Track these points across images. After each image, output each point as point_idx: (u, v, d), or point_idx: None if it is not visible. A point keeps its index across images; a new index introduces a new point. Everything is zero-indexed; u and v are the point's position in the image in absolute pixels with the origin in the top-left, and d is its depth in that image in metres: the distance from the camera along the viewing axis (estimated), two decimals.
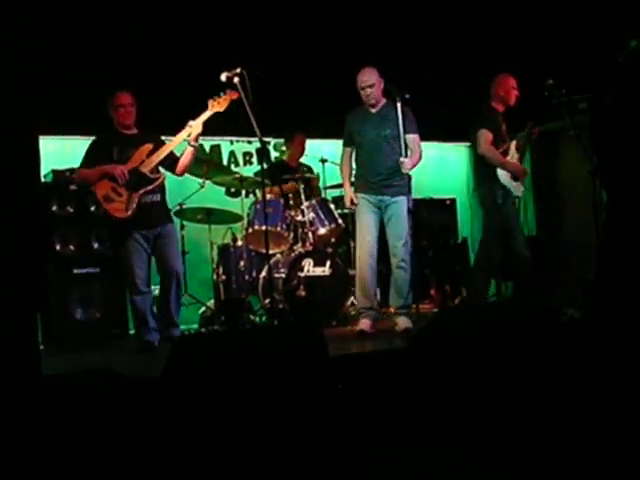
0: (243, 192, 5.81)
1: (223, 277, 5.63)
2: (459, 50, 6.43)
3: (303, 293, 5.22)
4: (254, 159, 6.87)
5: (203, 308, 5.81)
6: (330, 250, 5.48)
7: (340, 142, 5.00)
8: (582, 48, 5.81)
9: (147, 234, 4.51)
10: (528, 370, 2.90)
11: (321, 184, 6.23)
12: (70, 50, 5.28)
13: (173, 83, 5.70)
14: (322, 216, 5.47)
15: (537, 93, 4.89)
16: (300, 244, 5.47)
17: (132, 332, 5.13)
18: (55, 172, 5.31)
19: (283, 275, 5.24)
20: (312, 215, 5.46)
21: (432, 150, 7.83)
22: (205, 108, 4.45)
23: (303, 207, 5.48)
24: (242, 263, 5.58)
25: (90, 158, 4.48)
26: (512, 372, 2.86)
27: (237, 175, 5.58)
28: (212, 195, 5.92)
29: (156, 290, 5.11)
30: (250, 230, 5.45)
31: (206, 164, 5.39)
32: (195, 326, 5.75)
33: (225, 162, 6.80)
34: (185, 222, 5.70)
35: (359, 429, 2.70)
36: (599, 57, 4.97)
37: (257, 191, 5.81)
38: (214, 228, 5.72)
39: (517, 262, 5.06)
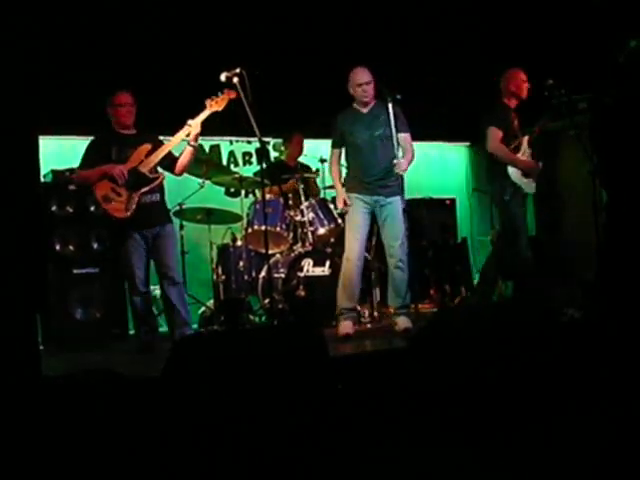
0: (243, 192, 5.80)
1: (223, 277, 5.63)
2: (459, 50, 6.43)
3: (303, 293, 5.22)
4: (253, 159, 6.88)
5: (203, 308, 5.81)
6: (329, 250, 5.47)
7: None
8: (582, 48, 5.81)
9: (146, 234, 4.51)
10: (528, 370, 2.90)
11: (320, 184, 6.23)
12: (70, 50, 5.28)
13: (172, 83, 5.69)
14: (321, 216, 5.46)
15: (537, 93, 4.90)
16: (300, 244, 5.47)
17: (132, 332, 5.13)
18: (55, 172, 5.32)
19: (283, 275, 5.24)
20: (311, 215, 5.46)
21: (432, 150, 7.88)
22: (203, 108, 4.45)
23: (302, 207, 5.48)
24: (242, 263, 5.58)
25: (89, 158, 4.48)
26: (512, 372, 2.86)
27: (236, 175, 5.58)
28: (212, 195, 5.92)
29: (156, 290, 5.12)
30: (250, 230, 5.45)
31: (206, 164, 5.39)
32: (195, 326, 5.75)
33: (225, 162, 6.80)
34: (185, 222, 5.69)
35: (359, 429, 2.70)
36: (599, 57, 4.98)
37: (257, 191, 5.81)
38: (214, 228, 5.71)
39: (519, 262, 5.04)
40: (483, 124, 5.03)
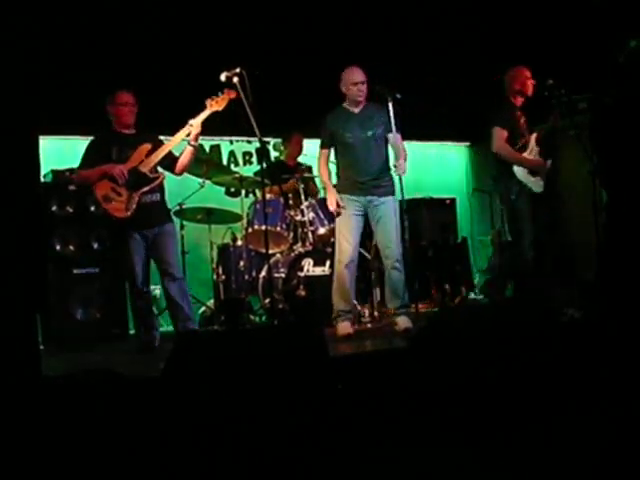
0: (243, 192, 5.80)
1: (223, 277, 5.63)
2: (459, 50, 6.43)
3: (303, 293, 5.22)
4: (254, 159, 6.88)
5: (203, 308, 5.81)
6: (330, 250, 5.46)
7: None
8: (582, 48, 5.81)
9: (146, 234, 4.50)
10: (528, 370, 2.90)
11: (320, 184, 6.22)
12: (70, 50, 5.28)
13: (172, 83, 5.70)
14: (322, 216, 5.45)
15: (537, 93, 4.89)
16: (300, 244, 5.47)
17: (132, 332, 5.13)
18: (55, 172, 5.32)
19: (283, 275, 5.24)
20: (312, 215, 5.46)
21: (432, 150, 7.89)
22: (204, 108, 4.45)
23: (303, 207, 5.47)
24: (242, 263, 5.58)
25: (89, 158, 4.48)
26: (512, 372, 2.86)
27: (237, 175, 5.58)
28: (212, 195, 5.92)
29: (156, 290, 5.12)
30: (250, 230, 5.45)
31: (206, 164, 5.39)
32: (195, 326, 5.75)
33: (225, 162, 6.80)
34: (185, 222, 5.69)
35: (359, 429, 2.69)
36: (599, 57, 4.97)
37: (257, 191, 5.81)
38: (214, 228, 5.72)
39: (520, 262, 5.02)
40: (488, 124, 5.00)
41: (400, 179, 4.62)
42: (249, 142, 6.80)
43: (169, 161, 4.60)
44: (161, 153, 4.49)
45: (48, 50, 4.20)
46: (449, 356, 2.89)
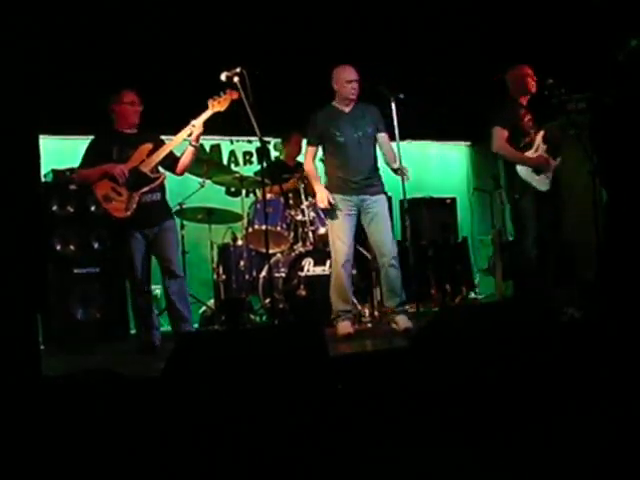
0: (243, 192, 5.80)
1: (223, 277, 5.63)
2: (459, 50, 6.43)
3: (303, 293, 5.22)
4: (254, 158, 6.88)
5: (203, 308, 5.81)
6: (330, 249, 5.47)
7: None
8: (582, 48, 5.80)
9: (147, 233, 4.50)
10: (528, 370, 2.90)
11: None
12: (70, 50, 5.28)
13: (173, 83, 5.70)
14: (322, 215, 5.45)
15: (537, 93, 4.89)
16: (300, 243, 5.47)
17: (132, 332, 5.13)
18: (55, 172, 5.32)
19: (283, 275, 5.24)
20: (312, 214, 5.46)
21: (433, 149, 7.90)
22: (205, 108, 4.45)
23: (303, 206, 5.47)
24: (242, 263, 5.58)
25: (89, 158, 4.47)
26: (512, 372, 2.86)
27: (237, 175, 5.58)
28: (212, 195, 5.93)
29: (157, 290, 5.11)
30: (250, 230, 5.45)
31: (206, 164, 5.39)
32: (195, 326, 5.75)
33: (225, 162, 6.80)
34: (185, 222, 5.69)
35: (359, 429, 2.70)
36: (599, 57, 4.97)
37: (257, 190, 5.81)
38: (214, 228, 5.72)
39: (522, 261, 5.01)
40: (488, 124, 4.98)
41: (402, 178, 4.63)
42: (249, 142, 6.80)
43: (170, 161, 4.59)
44: (162, 153, 4.48)
45: (48, 50, 4.20)
46: (449, 356, 2.89)
